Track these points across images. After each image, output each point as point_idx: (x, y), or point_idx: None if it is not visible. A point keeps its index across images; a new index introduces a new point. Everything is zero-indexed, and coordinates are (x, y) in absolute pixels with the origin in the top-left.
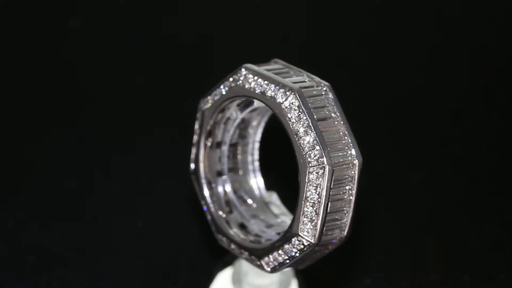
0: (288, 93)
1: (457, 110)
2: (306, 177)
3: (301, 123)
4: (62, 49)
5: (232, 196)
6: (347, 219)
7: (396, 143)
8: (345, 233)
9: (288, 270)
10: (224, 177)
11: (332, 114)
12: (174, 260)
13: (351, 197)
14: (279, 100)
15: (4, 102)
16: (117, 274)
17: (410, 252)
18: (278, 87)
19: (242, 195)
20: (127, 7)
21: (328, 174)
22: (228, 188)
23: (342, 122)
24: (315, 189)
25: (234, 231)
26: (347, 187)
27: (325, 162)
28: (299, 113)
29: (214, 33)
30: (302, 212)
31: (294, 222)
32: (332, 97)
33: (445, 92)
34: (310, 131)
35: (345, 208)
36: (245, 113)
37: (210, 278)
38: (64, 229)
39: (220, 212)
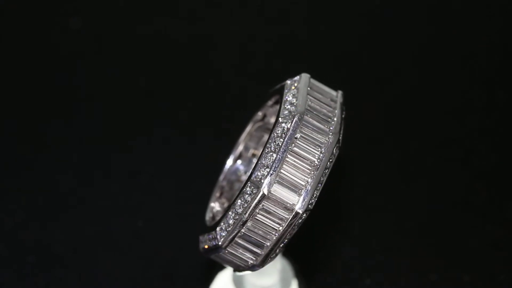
0: (292, 112)
1: (457, 110)
2: (244, 189)
3: (276, 142)
4: (62, 49)
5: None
6: (264, 252)
7: (396, 143)
8: (256, 262)
9: (288, 270)
10: (254, 160)
11: (315, 160)
12: (174, 260)
13: (274, 236)
14: (283, 113)
15: (3, 102)
16: (117, 274)
17: (410, 252)
18: (293, 104)
19: None
20: (127, 7)
21: (258, 197)
22: (249, 172)
23: (316, 172)
24: (243, 203)
25: (218, 204)
26: (277, 225)
27: (262, 186)
28: (282, 133)
29: (214, 33)
30: (226, 215)
31: (220, 219)
32: (327, 148)
33: (445, 91)
34: (276, 153)
35: (267, 241)
36: None
37: (210, 278)
38: (64, 229)
39: (225, 182)
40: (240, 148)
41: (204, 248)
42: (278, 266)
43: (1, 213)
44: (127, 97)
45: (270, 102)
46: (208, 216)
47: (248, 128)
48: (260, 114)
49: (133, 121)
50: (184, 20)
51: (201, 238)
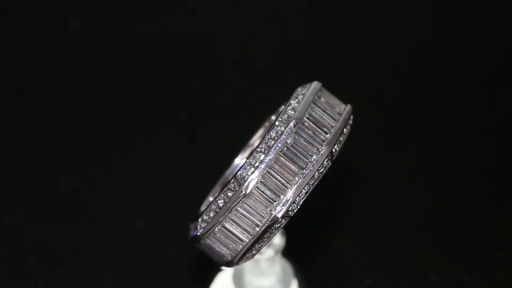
0: (290, 117)
1: (457, 109)
2: (228, 184)
3: (268, 144)
4: (62, 49)
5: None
6: (240, 250)
7: (396, 143)
8: (233, 260)
9: (288, 270)
10: None
11: (304, 168)
12: (174, 260)
13: (251, 236)
14: (282, 117)
15: (3, 102)
16: (117, 274)
17: (410, 252)
18: (294, 108)
19: None
20: (127, 7)
21: (239, 195)
22: None
23: (301, 180)
24: (224, 198)
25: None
26: (254, 225)
27: (245, 184)
28: (276, 135)
29: (214, 33)
30: (209, 207)
31: (204, 210)
32: (317, 159)
33: (445, 91)
34: (266, 154)
35: (244, 240)
36: None
37: (210, 278)
38: (64, 229)
39: (230, 176)
40: (251, 148)
41: (189, 236)
42: (277, 267)
43: (1, 213)
44: (127, 97)
45: (283, 107)
46: (203, 208)
47: (261, 131)
48: (273, 118)
49: (133, 121)
50: (184, 20)
51: (191, 226)
